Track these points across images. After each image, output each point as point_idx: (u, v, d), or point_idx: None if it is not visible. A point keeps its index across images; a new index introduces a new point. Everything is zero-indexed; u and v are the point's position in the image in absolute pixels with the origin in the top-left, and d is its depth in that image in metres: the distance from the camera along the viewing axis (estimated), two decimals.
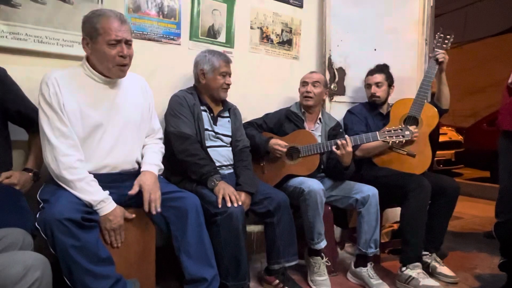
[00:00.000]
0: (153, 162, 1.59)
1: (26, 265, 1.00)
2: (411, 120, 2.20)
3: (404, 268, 1.94)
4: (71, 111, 1.40)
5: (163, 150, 1.71)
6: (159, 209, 1.48)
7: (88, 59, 1.47)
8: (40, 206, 1.35)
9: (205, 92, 1.91)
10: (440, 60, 2.19)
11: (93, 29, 1.40)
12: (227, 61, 1.89)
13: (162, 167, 1.64)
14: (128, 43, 1.46)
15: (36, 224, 1.25)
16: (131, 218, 1.47)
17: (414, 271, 1.90)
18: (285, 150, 2.02)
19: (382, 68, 2.40)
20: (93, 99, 1.46)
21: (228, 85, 1.91)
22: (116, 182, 1.51)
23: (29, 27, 1.65)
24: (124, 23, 1.44)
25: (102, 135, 1.47)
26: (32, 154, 1.54)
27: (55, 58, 1.73)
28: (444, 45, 2.23)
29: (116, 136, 1.51)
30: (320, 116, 2.24)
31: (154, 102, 1.71)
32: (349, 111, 2.46)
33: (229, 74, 1.91)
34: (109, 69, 1.45)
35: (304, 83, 2.19)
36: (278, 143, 2.02)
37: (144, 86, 1.68)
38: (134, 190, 1.46)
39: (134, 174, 1.56)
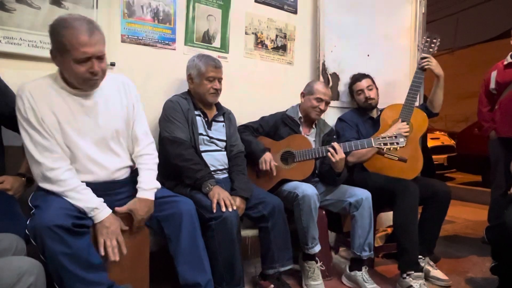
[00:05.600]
0: (149, 187, 1.51)
1: (20, 270, 0.99)
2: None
3: (405, 275, 1.92)
4: (51, 124, 1.34)
5: (157, 160, 1.65)
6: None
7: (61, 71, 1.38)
8: (31, 212, 1.32)
9: (196, 96, 1.91)
10: (425, 67, 2.25)
11: (60, 43, 1.27)
12: (216, 66, 1.86)
13: (159, 185, 1.57)
14: (99, 57, 1.32)
15: (26, 231, 1.23)
16: (125, 229, 1.44)
17: (416, 282, 1.88)
18: (270, 169, 1.99)
19: (365, 74, 2.48)
20: (71, 114, 1.38)
21: (216, 89, 1.88)
22: (110, 190, 1.49)
23: (24, 32, 1.65)
24: (93, 34, 1.29)
25: (86, 150, 1.41)
26: (26, 159, 1.53)
27: (49, 63, 1.70)
28: (431, 49, 2.27)
29: (101, 148, 1.45)
30: (315, 122, 2.26)
31: (139, 100, 1.60)
32: (339, 119, 2.50)
33: (219, 79, 1.88)
34: (79, 84, 1.36)
35: (319, 99, 2.15)
36: (270, 161, 2.00)
37: (125, 85, 1.55)
38: (121, 210, 1.44)
39: (128, 180, 1.56)
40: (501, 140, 2.48)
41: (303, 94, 2.25)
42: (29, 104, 1.31)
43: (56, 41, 1.28)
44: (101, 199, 1.39)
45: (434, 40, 2.27)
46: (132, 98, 1.56)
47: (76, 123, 1.39)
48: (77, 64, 1.29)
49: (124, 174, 1.55)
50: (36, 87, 1.34)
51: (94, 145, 1.44)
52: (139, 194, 1.50)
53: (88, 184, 1.40)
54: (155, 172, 1.60)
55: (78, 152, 1.40)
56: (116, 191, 1.52)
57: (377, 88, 2.45)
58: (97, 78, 1.36)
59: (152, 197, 1.51)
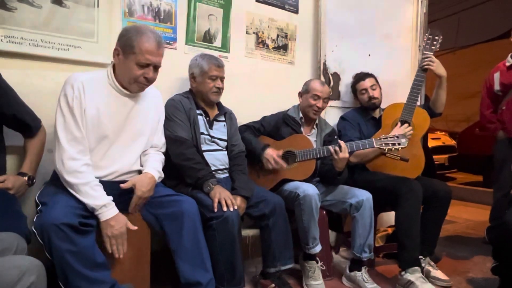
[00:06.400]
0: (154, 167, 1.58)
1: (21, 269, 0.99)
2: (403, 124, 2.22)
3: (403, 272, 1.94)
4: (90, 118, 1.42)
5: (163, 162, 1.69)
6: (136, 213, 1.50)
7: (114, 67, 1.50)
8: (38, 209, 1.34)
9: (198, 95, 1.91)
10: (425, 68, 2.24)
11: (129, 45, 1.42)
12: (218, 65, 1.87)
13: (163, 175, 1.62)
14: (156, 68, 1.49)
15: (33, 228, 1.24)
16: (133, 229, 1.43)
17: (413, 275, 1.90)
18: (276, 166, 1.99)
19: (369, 73, 2.48)
20: (111, 110, 1.48)
21: (219, 88, 1.88)
22: (118, 189, 1.49)
23: (25, 31, 1.64)
24: (160, 47, 1.47)
25: (110, 145, 1.49)
26: (27, 158, 1.53)
27: (51, 62, 1.73)
28: (433, 47, 2.23)
29: (124, 147, 1.53)
30: (317, 122, 2.25)
31: (164, 114, 1.74)
32: (342, 118, 2.49)
33: (221, 78, 1.89)
34: (129, 84, 1.48)
35: (316, 96, 2.13)
36: (273, 157, 1.99)
37: (157, 98, 1.69)
38: (126, 185, 1.46)
39: None
40: (510, 140, 2.45)
41: (300, 94, 2.25)
42: (79, 94, 1.39)
43: (126, 42, 1.43)
44: (111, 198, 1.40)
45: (436, 38, 2.23)
46: (161, 112, 1.71)
47: (114, 120, 1.49)
48: (137, 66, 1.44)
49: (135, 175, 1.58)
50: (89, 80, 1.44)
51: (122, 144, 1.52)
52: (144, 170, 1.55)
53: (100, 180, 1.42)
54: (160, 164, 1.64)
55: (104, 146, 1.48)
56: (123, 191, 1.51)
57: (380, 88, 2.44)
58: (148, 84, 1.51)
59: (156, 176, 1.55)
